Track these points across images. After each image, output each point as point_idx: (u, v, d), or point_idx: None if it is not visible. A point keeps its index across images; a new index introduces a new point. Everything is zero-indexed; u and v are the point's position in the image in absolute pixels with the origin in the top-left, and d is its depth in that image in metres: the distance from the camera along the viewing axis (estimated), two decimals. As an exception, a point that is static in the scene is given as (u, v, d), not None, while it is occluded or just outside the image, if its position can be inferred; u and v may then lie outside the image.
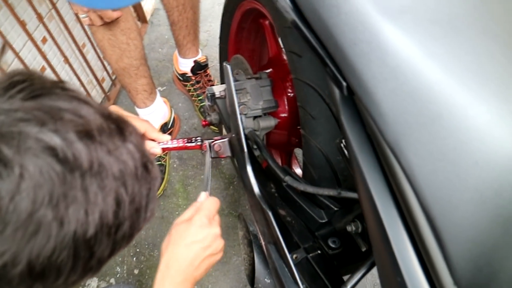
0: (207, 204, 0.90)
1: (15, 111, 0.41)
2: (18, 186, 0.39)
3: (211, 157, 1.10)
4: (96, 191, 0.44)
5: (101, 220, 0.45)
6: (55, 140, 0.41)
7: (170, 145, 1.02)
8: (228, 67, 1.03)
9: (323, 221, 0.95)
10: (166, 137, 1.01)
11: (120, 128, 0.50)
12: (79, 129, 0.43)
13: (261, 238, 0.99)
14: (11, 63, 1.45)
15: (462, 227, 0.49)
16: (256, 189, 0.98)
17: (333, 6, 0.61)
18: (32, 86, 0.44)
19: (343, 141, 0.84)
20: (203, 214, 0.87)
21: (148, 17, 2.36)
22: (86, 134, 0.44)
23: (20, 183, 0.39)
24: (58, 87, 0.47)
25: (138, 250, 1.68)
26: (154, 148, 0.98)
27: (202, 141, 1.07)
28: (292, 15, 0.72)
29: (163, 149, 1.01)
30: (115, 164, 0.46)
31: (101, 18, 1.27)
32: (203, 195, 0.95)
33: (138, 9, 2.24)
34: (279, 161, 1.55)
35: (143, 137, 0.56)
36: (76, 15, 1.70)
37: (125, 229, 0.50)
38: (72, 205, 0.42)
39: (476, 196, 0.48)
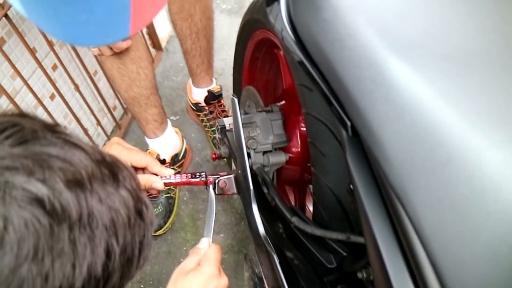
0: (213, 253, 0.88)
1: (2, 158, 0.40)
2: (1, 240, 0.37)
3: (216, 193, 1.08)
4: (85, 243, 0.43)
5: (89, 273, 0.44)
6: (42, 190, 0.40)
7: (173, 180, 1.00)
8: (235, 100, 1.02)
9: (332, 266, 0.91)
10: (169, 171, 0.99)
11: (113, 173, 0.48)
12: (69, 178, 0.42)
13: (265, 282, 0.96)
14: (19, 90, 1.47)
15: (474, 287, 0.46)
16: (261, 229, 0.95)
17: (336, 40, 0.59)
18: (21, 131, 0.43)
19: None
20: (212, 263, 0.85)
21: (163, 44, 2.38)
22: (76, 183, 0.43)
23: (4, 237, 0.37)
24: (49, 130, 0.46)
25: (142, 286, 1.65)
26: (155, 183, 0.97)
27: (206, 176, 1.05)
28: (295, 49, 0.71)
29: (166, 184, 0.99)
30: (106, 213, 0.45)
31: (111, 48, 1.27)
32: (205, 241, 0.92)
33: (153, 36, 2.26)
34: (292, 198, 1.51)
35: (138, 182, 0.54)
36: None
37: (114, 280, 0.48)
38: (59, 259, 0.41)
39: (488, 252, 0.45)
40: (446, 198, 0.48)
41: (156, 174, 0.98)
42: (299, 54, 0.70)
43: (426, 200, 0.49)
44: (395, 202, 0.53)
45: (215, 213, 0.99)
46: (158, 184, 0.97)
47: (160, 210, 1.73)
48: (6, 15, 1.30)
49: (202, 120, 1.98)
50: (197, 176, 1.04)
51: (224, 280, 0.85)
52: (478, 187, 0.46)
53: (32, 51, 1.45)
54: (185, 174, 1.03)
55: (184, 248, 1.74)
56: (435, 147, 0.49)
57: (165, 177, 0.99)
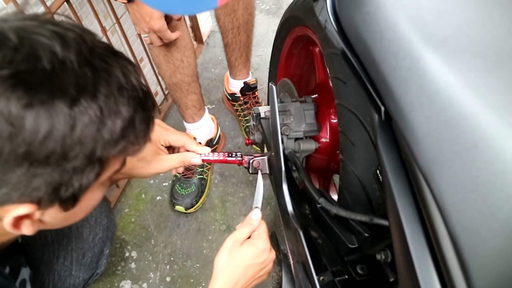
0: (265, 228, 0.93)
1: None
2: None
3: (250, 172, 1.11)
4: None
5: None
6: None
7: (211, 157, 1.03)
8: (274, 87, 1.04)
9: (353, 246, 0.93)
10: (206, 149, 1.02)
11: None
12: None
13: (290, 257, 0.98)
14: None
15: (490, 261, 0.47)
16: (289, 208, 0.97)
17: (377, 32, 0.61)
18: None
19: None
20: (265, 239, 0.90)
21: (204, 38, 2.42)
22: None
23: None
24: None
25: (172, 258, 1.69)
26: (194, 159, 1.00)
27: (242, 156, 1.08)
28: (338, 41, 0.73)
29: (203, 161, 1.02)
30: None
31: (161, 39, 1.32)
32: (257, 213, 0.95)
33: (195, 30, 2.30)
34: (317, 185, 1.53)
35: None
36: (139, 34, 1.77)
37: None
38: None
39: (505, 230, 0.46)
40: (469, 179, 0.49)
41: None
42: (340, 44, 0.72)
43: (451, 181, 0.51)
44: (421, 182, 0.55)
45: (264, 188, 1.01)
46: (196, 159, 1.00)
47: (193, 189, 1.77)
48: (67, 0, 1.35)
49: (236, 110, 2.02)
50: (234, 155, 1.07)
51: (273, 255, 0.90)
52: (499, 171, 0.47)
53: (88, 35, 1.49)
54: (222, 153, 1.06)
55: (213, 226, 1.77)
56: (462, 133, 0.51)
57: (203, 154, 1.02)
